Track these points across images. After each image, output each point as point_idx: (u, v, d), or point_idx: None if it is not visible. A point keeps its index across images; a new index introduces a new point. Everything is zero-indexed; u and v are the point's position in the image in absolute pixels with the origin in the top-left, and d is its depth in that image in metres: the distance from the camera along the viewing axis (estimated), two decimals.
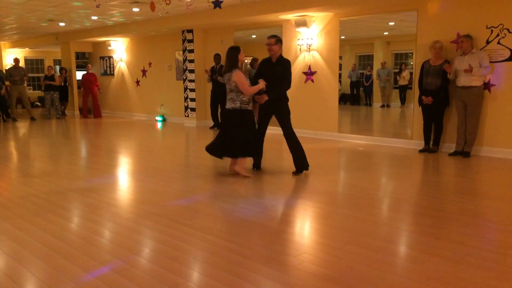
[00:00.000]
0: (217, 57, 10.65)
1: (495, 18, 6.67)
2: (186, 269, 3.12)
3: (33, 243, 3.61)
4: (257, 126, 5.89)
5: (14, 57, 14.39)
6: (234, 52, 5.63)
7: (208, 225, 3.99)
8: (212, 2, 5.50)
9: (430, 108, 7.17)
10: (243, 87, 5.50)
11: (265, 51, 5.83)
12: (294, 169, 5.90)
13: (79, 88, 14.91)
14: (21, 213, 4.41)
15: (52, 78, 13.74)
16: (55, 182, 5.71)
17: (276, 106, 5.79)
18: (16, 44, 16.75)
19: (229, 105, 5.66)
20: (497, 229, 3.85)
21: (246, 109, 5.65)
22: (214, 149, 5.90)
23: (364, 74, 14.25)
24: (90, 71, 14.27)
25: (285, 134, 5.87)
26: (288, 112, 5.87)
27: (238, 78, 5.48)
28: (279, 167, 6.26)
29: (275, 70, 5.69)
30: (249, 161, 6.08)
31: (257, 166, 6.14)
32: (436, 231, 3.80)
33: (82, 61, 15.93)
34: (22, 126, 12.23)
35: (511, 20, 6.54)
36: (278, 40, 5.78)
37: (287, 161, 6.39)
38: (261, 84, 5.62)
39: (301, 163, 5.89)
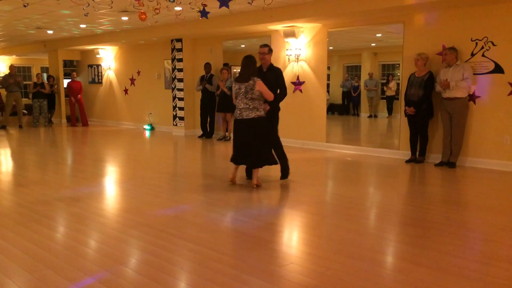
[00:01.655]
0: (207, 66, 10.67)
1: (479, 31, 6.80)
2: (173, 279, 3.10)
3: (17, 253, 3.57)
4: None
5: (10, 65, 14.28)
6: (251, 61, 5.61)
7: (195, 235, 3.98)
8: (200, 11, 5.53)
9: (414, 119, 7.27)
10: (268, 94, 5.55)
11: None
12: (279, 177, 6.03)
13: (66, 96, 14.81)
14: (5, 223, 4.35)
15: (42, 85, 13.65)
16: (41, 191, 5.65)
17: (268, 114, 5.87)
18: (3, 51, 16.60)
19: (253, 114, 5.53)
20: (482, 239, 3.89)
21: (264, 117, 5.66)
22: (239, 158, 5.76)
23: (352, 84, 14.37)
24: (76, 79, 14.20)
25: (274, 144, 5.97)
26: (277, 121, 6.03)
27: (261, 86, 5.50)
28: (266, 177, 6.27)
29: (268, 78, 5.80)
30: (241, 169, 6.07)
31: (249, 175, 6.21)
32: (422, 241, 3.83)
33: (70, 69, 15.83)
34: (10, 134, 12.08)
35: (495, 33, 6.67)
36: (270, 50, 5.99)
37: (274, 170, 6.41)
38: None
39: (286, 170, 6.11)
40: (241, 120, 5.58)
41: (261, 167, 5.76)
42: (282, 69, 8.97)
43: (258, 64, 5.90)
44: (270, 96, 5.59)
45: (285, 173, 6.10)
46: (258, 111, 5.57)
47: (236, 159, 5.79)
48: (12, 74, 13.49)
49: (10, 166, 7.72)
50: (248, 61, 5.62)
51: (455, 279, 3.04)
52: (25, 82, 18.01)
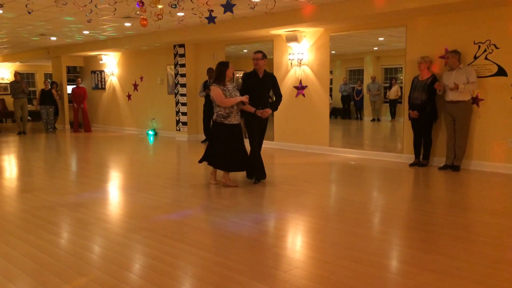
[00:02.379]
0: (210, 71, 10.69)
1: (482, 34, 6.80)
2: (177, 284, 3.09)
3: (21, 259, 3.57)
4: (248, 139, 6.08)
5: (15, 71, 14.39)
6: (222, 67, 5.87)
7: (199, 240, 3.97)
8: (206, 18, 5.55)
9: (418, 123, 7.26)
10: (219, 99, 5.78)
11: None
12: (284, 181, 6.07)
13: (70, 102, 14.89)
14: (9, 228, 4.36)
15: (50, 92, 13.76)
16: (45, 197, 5.66)
17: (265, 120, 6.14)
18: (7, 58, 16.69)
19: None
20: (487, 243, 3.87)
21: (221, 122, 5.87)
22: (205, 159, 6.17)
23: (355, 88, 14.36)
24: (80, 85, 14.27)
25: (260, 147, 6.19)
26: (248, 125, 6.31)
27: (213, 92, 5.81)
28: (270, 181, 6.26)
29: (265, 84, 6.03)
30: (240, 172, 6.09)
31: (250, 176, 6.32)
32: (427, 245, 3.81)
33: (74, 75, 15.90)
34: (12, 141, 12.13)
35: (498, 36, 6.67)
36: (264, 56, 6.13)
37: (278, 174, 6.41)
38: (242, 98, 5.83)
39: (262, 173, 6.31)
40: (237, 124, 5.94)
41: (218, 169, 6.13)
42: (284, 74, 9.06)
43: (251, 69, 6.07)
44: (222, 101, 5.78)
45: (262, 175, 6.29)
46: (213, 115, 6.02)
47: (228, 164, 6.02)
48: (18, 80, 13.58)
49: (14, 172, 7.74)
50: (218, 66, 5.92)
51: (460, 283, 3.03)
52: (30, 89, 18.10)
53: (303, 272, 3.27)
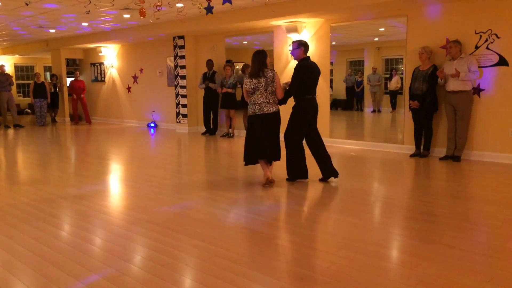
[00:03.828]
0: (209, 63, 10.65)
1: (483, 23, 6.75)
2: (178, 276, 3.10)
3: (23, 251, 3.57)
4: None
5: (0, 64, 14.28)
6: (262, 56, 5.46)
7: (200, 232, 3.97)
8: (204, 8, 5.52)
9: (419, 113, 7.24)
10: (280, 89, 5.50)
11: None
12: (285, 172, 5.95)
13: (69, 94, 14.87)
14: (11, 221, 4.36)
15: (42, 85, 13.68)
16: (46, 189, 5.66)
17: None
18: (6, 51, 16.64)
19: (273, 108, 5.48)
20: (488, 232, 3.87)
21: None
22: (259, 155, 5.58)
23: (356, 79, 14.31)
24: (79, 78, 14.23)
25: (319, 142, 5.85)
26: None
27: (278, 80, 5.48)
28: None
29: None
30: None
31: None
32: (428, 235, 3.81)
33: (73, 67, 15.87)
34: (12, 133, 12.12)
35: (499, 26, 6.62)
36: (301, 44, 5.69)
37: (279, 166, 6.40)
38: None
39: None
40: (264, 115, 5.45)
41: (279, 160, 5.69)
42: (284, 65, 9.00)
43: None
44: (280, 93, 5.52)
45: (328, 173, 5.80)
46: (276, 106, 5.54)
47: (255, 157, 5.58)
48: (4, 73, 13.49)
49: (15, 165, 7.74)
50: (258, 56, 5.46)
51: (461, 273, 3.03)
52: (28, 81, 18.07)
53: (304, 263, 3.27)
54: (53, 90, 14.35)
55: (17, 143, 10.46)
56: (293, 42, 5.78)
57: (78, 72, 14.49)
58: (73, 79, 14.27)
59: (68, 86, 14.70)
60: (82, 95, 14.07)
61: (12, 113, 13.67)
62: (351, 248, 3.51)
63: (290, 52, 5.74)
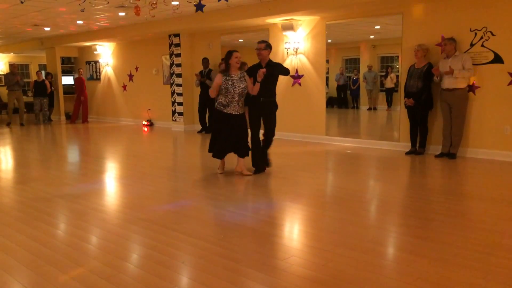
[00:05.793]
0: (205, 61, 10.63)
1: (479, 21, 6.77)
2: (174, 274, 3.10)
3: (18, 250, 3.56)
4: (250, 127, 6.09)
5: (10, 63, 14.26)
6: (226, 56, 5.87)
7: (196, 230, 3.97)
8: (195, 5, 5.50)
9: (414, 111, 7.26)
10: (211, 89, 5.97)
11: (253, 55, 5.88)
12: (281, 170, 5.97)
13: (70, 93, 14.86)
14: (5, 220, 4.34)
15: (43, 83, 13.66)
16: (42, 188, 5.64)
17: (268, 108, 5.98)
18: (0, 49, 16.54)
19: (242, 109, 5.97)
20: (483, 229, 3.89)
21: (220, 110, 5.87)
22: (227, 150, 6.08)
23: (351, 77, 14.32)
24: (82, 76, 14.19)
25: (271, 135, 6.05)
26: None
27: (215, 79, 5.89)
28: (267, 170, 6.26)
29: (268, 75, 5.75)
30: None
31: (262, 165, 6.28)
32: (423, 232, 3.83)
33: (68, 66, 15.80)
34: (11, 132, 12.06)
35: (494, 23, 6.64)
36: (268, 46, 5.94)
37: (275, 163, 6.41)
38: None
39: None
40: (236, 115, 5.85)
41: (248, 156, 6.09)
42: (280, 63, 9.03)
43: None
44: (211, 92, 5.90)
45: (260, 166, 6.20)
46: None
47: (223, 152, 6.02)
48: (14, 72, 13.49)
49: (11, 164, 7.71)
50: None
51: (457, 269, 3.04)
52: (24, 80, 18.00)
53: (300, 260, 3.28)
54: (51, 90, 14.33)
55: (13, 142, 10.40)
56: (263, 42, 5.95)
57: (81, 70, 14.41)
58: (77, 76, 14.24)
59: (73, 85, 14.67)
60: (85, 92, 14.06)
61: (20, 113, 13.64)
62: (347, 245, 3.52)
63: (257, 52, 5.91)
